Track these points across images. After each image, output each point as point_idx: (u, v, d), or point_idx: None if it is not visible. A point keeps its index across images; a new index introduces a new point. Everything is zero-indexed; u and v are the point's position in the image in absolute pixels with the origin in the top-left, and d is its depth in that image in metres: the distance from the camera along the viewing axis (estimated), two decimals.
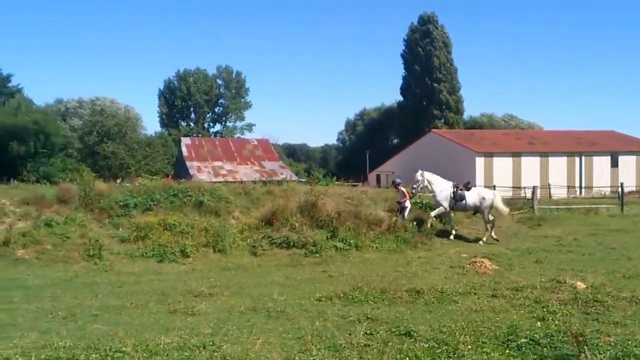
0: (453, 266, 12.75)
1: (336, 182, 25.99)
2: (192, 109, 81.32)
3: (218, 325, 7.33)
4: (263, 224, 16.09)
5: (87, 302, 9.08)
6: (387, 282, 10.27)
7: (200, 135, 70.95)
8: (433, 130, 55.36)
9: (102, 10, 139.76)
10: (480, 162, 44.97)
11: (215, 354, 5.97)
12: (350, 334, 6.75)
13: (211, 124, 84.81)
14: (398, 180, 19.61)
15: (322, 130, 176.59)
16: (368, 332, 6.85)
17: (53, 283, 11.09)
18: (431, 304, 8.68)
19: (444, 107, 66.65)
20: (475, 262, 12.74)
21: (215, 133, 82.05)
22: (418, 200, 19.53)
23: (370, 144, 71.72)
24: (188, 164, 50.64)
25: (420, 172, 18.95)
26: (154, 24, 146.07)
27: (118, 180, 39.47)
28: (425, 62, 66.80)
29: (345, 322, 7.49)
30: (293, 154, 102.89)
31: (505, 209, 18.91)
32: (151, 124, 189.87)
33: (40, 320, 7.79)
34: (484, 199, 18.43)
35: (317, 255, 14.50)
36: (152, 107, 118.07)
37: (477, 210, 18.69)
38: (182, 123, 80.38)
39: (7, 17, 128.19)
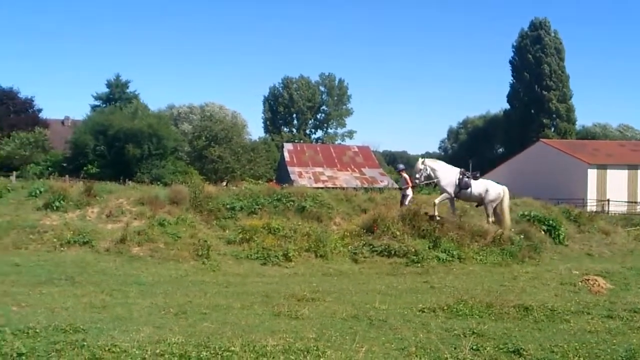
0: (563, 283, 12.06)
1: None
2: (294, 115, 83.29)
3: (321, 330, 7.35)
4: (364, 231, 16.04)
5: (196, 300, 9.44)
6: (493, 296, 9.87)
7: (302, 141, 72.32)
8: (542, 139, 52.94)
9: (213, 23, 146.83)
10: (592, 174, 42.32)
11: (320, 359, 5.98)
12: (455, 348, 6.53)
13: (313, 130, 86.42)
14: (401, 166, 18.86)
15: (423, 138, 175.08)
16: (474, 347, 6.59)
17: (165, 280, 11.64)
18: (541, 322, 8.24)
19: (553, 115, 63.75)
20: (588, 279, 12.01)
21: (317, 139, 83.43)
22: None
23: (473, 153, 69.89)
24: (289, 169, 51.79)
25: (421, 160, 18.10)
26: (261, 33, 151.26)
27: (223, 183, 41.08)
28: (535, 69, 64.15)
29: (450, 335, 7.27)
30: (393, 161, 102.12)
31: (507, 216, 17.35)
32: (255, 130, 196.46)
33: (154, 316, 8.15)
34: (487, 191, 17.29)
35: (419, 265, 14.25)
36: (257, 113, 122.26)
37: (480, 202, 17.62)
38: (285, 129, 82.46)
39: (126, 29, 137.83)
